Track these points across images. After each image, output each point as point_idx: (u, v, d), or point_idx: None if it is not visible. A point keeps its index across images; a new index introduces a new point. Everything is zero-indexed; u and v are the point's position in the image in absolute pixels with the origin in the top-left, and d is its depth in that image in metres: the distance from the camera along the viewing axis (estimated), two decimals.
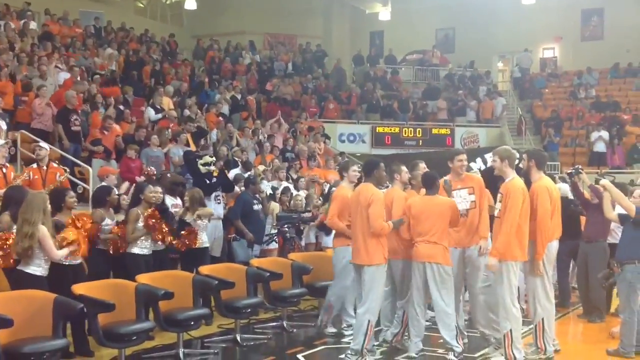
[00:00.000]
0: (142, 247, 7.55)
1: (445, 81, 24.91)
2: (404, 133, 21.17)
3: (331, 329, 7.89)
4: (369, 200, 6.46)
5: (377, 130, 21.20)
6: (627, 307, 6.97)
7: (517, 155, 6.66)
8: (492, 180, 7.13)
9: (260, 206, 10.10)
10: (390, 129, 21.27)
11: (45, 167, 9.19)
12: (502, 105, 22.69)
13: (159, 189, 8.00)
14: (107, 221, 7.65)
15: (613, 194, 7.08)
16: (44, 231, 5.98)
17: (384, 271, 6.59)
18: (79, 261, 6.78)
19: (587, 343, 7.97)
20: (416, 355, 6.72)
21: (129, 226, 7.46)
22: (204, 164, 10.19)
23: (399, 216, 6.85)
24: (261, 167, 11.92)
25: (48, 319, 5.57)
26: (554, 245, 6.87)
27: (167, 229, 7.69)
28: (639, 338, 7.01)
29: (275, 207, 10.66)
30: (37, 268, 6.06)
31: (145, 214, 7.53)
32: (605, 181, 7.28)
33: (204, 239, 8.48)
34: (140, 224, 7.48)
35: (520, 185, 6.45)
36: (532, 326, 6.95)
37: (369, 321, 6.40)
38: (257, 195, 10.20)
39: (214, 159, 10.40)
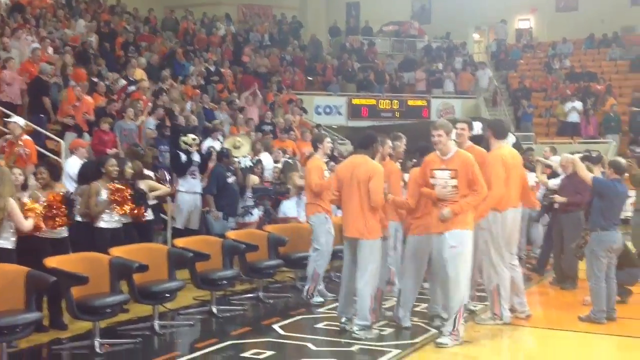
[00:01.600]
0: (108, 221, 7.44)
1: (422, 53, 24.88)
2: (380, 105, 21.15)
3: (317, 299, 7.89)
4: (370, 173, 6.40)
5: (353, 102, 21.15)
6: (592, 274, 7.12)
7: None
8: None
9: (234, 178, 10.05)
10: (367, 101, 21.23)
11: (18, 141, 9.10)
12: (488, 77, 22.69)
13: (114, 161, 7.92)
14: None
15: (576, 164, 7.49)
16: (12, 204, 5.89)
17: (380, 246, 6.55)
18: (62, 235, 6.72)
19: (559, 310, 8.09)
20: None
21: (90, 200, 7.35)
22: (185, 142, 10.12)
23: (399, 189, 6.88)
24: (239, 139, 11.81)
25: (21, 293, 5.51)
26: (510, 214, 6.93)
27: (131, 204, 7.59)
28: (610, 304, 7.16)
29: (255, 179, 10.60)
30: (5, 241, 5.98)
31: (110, 187, 7.39)
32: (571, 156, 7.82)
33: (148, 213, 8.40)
34: (103, 197, 7.35)
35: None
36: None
37: (370, 295, 6.38)
38: (231, 167, 10.15)
39: (197, 140, 10.32)
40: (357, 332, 6.38)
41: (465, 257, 6.18)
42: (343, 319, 6.68)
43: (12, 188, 5.99)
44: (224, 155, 10.15)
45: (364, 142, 6.69)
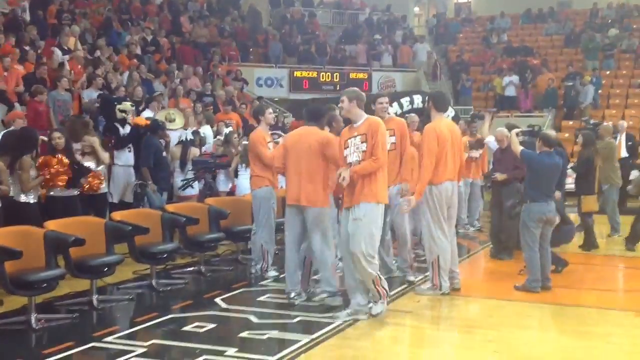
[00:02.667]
0: (31, 196, 7.24)
1: (363, 25, 24.86)
2: (321, 77, 21.10)
3: (272, 273, 7.85)
4: (324, 141, 6.39)
5: (295, 75, 21.04)
6: (526, 244, 7.33)
7: (365, 97, 6.57)
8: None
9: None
10: (308, 74, 21.15)
11: None
12: (426, 51, 22.88)
13: (58, 134, 7.73)
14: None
15: (511, 139, 7.78)
16: None
17: (328, 214, 6.56)
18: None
19: (497, 280, 8.30)
20: None
21: (23, 174, 7.11)
22: (122, 110, 9.87)
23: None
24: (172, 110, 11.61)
25: None
26: (446, 186, 7.03)
27: (65, 177, 7.42)
28: (544, 274, 7.38)
29: (195, 152, 10.46)
30: None
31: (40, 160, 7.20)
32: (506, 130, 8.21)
33: (103, 185, 8.38)
34: (33, 172, 7.15)
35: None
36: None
37: (330, 260, 6.46)
38: (162, 141, 9.98)
39: (133, 108, 10.07)
40: (327, 299, 6.42)
41: (368, 230, 6.01)
42: (292, 294, 6.65)
43: None
44: (158, 128, 9.94)
45: (316, 115, 6.69)
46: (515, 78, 20.59)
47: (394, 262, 7.72)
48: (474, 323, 6.39)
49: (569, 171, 9.86)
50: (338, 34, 24.11)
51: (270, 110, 8.04)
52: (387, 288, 6.21)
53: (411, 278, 7.54)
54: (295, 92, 20.62)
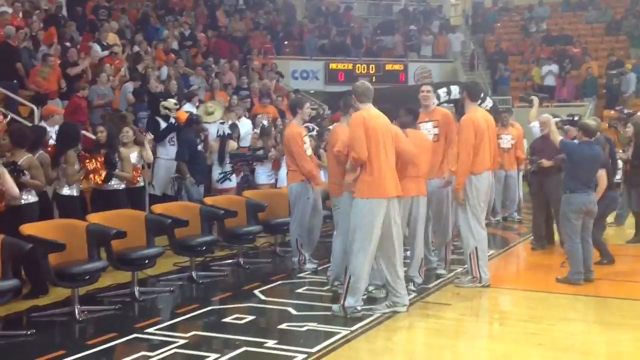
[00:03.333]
0: (74, 189, 7.36)
1: (399, 16, 24.68)
2: (357, 69, 21.01)
3: (310, 265, 7.85)
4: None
5: (331, 67, 20.99)
6: (566, 236, 7.21)
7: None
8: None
9: (202, 145, 9.97)
10: (344, 66, 21.08)
11: None
12: (460, 41, 22.64)
13: (101, 128, 7.85)
14: None
15: (550, 127, 7.60)
16: (2, 169, 6.00)
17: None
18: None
19: (538, 271, 8.18)
20: None
21: (68, 168, 7.23)
22: (165, 107, 9.97)
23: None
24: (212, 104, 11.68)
25: None
26: (485, 175, 6.95)
27: (104, 171, 7.54)
28: (587, 266, 7.24)
29: (233, 145, 10.51)
30: None
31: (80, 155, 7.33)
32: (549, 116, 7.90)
33: (140, 178, 8.44)
34: (77, 166, 7.28)
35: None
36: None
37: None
38: (201, 135, 10.04)
39: (177, 106, 10.16)
40: (373, 291, 6.40)
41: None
42: (336, 283, 6.64)
43: None
44: (194, 122, 10.01)
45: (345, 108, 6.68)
46: (554, 67, 20.24)
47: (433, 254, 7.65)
48: (515, 315, 6.32)
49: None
50: (373, 26, 23.98)
51: (309, 104, 7.98)
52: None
53: (442, 271, 7.47)
54: (331, 85, 20.57)
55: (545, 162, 8.77)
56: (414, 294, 6.58)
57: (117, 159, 7.80)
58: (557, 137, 7.41)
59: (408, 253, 6.87)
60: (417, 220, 6.70)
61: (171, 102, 10.15)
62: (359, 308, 5.89)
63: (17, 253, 5.54)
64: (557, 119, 8.00)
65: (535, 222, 9.21)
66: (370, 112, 5.96)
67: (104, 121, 8.95)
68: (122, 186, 7.95)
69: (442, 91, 14.29)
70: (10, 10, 12.41)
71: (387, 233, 5.89)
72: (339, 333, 5.50)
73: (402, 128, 6.56)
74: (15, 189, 6.11)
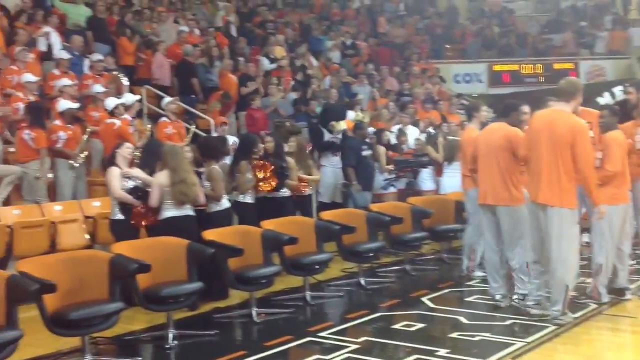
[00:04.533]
0: (248, 197, 7.73)
1: (567, 12, 23.53)
2: (523, 70, 20.27)
3: (479, 273, 7.72)
4: (513, 140, 6.18)
5: (494, 69, 20.40)
6: None
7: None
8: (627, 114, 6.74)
9: (370, 151, 10.04)
10: (508, 67, 20.41)
11: (176, 121, 9.65)
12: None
13: (269, 138, 8.22)
14: None
15: None
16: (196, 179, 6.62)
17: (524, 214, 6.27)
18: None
19: None
20: None
21: (241, 177, 7.62)
22: (334, 127, 10.24)
23: None
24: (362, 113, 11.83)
25: (183, 264, 5.82)
26: None
27: (275, 182, 7.84)
28: None
29: (382, 150, 10.56)
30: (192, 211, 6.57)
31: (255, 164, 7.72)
32: None
33: (308, 187, 8.77)
34: (249, 175, 7.65)
35: None
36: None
37: (526, 262, 6.21)
38: (367, 140, 10.14)
39: (345, 128, 10.42)
40: (516, 300, 6.24)
41: None
42: (497, 296, 6.47)
43: (188, 163, 6.56)
44: (357, 127, 10.16)
45: (504, 110, 6.51)
46: None
47: None
48: None
49: None
50: (540, 24, 23.03)
51: (486, 107, 7.84)
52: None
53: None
54: (494, 87, 19.99)
55: None
56: (594, 305, 6.26)
57: (287, 168, 8.12)
58: None
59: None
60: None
61: (341, 124, 10.39)
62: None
63: (200, 257, 5.92)
64: None
65: None
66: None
67: (272, 131, 9.36)
68: (288, 193, 8.22)
69: (617, 89, 13.52)
70: (187, 29, 13.31)
71: None
72: (513, 344, 5.34)
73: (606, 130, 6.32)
74: (202, 197, 6.67)
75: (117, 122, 8.93)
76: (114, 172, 6.60)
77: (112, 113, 9.04)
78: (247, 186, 7.64)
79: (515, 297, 6.31)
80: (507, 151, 6.20)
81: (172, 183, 6.39)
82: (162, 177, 6.48)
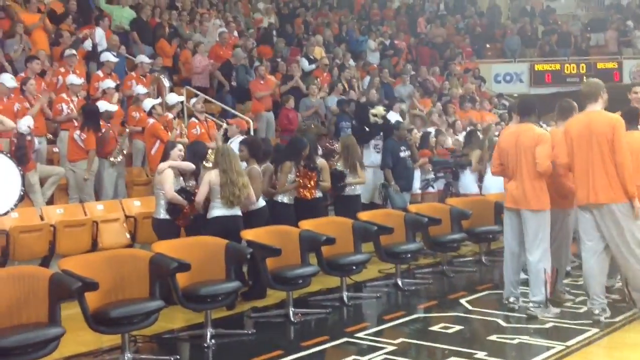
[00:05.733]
0: (286, 197, 7.76)
1: (611, 10, 23.08)
2: (565, 70, 19.95)
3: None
4: (537, 140, 6.07)
5: (536, 69, 20.13)
6: None
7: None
8: None
9: (408, 152, 9.99)
10: (550, 66, 20.11)
11: (205, 121, 9.75)
12: None
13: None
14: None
15: None
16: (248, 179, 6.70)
17: (548, 216, 6.20)
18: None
19: None
20: None
21: (281, 177, 7.67)
22: (374, 115, 10.23)
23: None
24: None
25: (221, 264, 5.88)
26: None
27: (314, 185, 7.87)
28: None
29: (435, 152, 10.50)
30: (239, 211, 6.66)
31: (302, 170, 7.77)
32: None
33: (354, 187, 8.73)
34: (291, 176, 7.68)
35: None
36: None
37: (544, 269, 6.08)
38: (406, 141, 10.09)
39: (386, 112, 10.40)
40: (532, 309, 6.12)
41: None
42: (511, 299, 6.41)
43: (239, 164, 6.63)
44: (395, 128, 10.12)
45: (524, 109, 6.38)
46: None
47: None
48: None
49: None
50: (582, 22, 22.63)
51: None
52: None
53: None
54: (536, 87, 19.73)
55: None
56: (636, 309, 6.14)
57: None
58: None
59: None
60: None
61: (380, 109, 10.39)
62: None
63: (239, 257, 5.98)
64: None
65: None
66: None
67: (301, 133, 9.37)
68: (320, 194, 8.21)
69: None
70: (226, 30, 13.43)
71: None
72: (553, 348, 5.27)
73: None
74: (253, 197, 6.78)
75: (151, 121, 9.11)
76: (168, 174, 6.70)
77: (149, 114, 9.18)
78: (287, 187, 7.67)
79: (531, 305, 6.18)
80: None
81: (222, 184, 6.49)
82: (212, 175, 6.57)
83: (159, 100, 9.38)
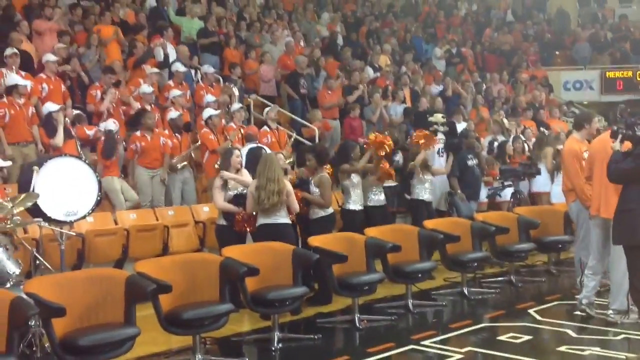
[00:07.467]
0: (357, 204, 7.81)
1: None
2: (637, 77, 19.35)
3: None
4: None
5: (607, 76, 19.60)
6: None
7: None
8: None
9: (475, 161, 9.89)
10: (622, 74, 19.54)
11: (276, 130, 9.89)
12: None
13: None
14: None
15: None
16: (289, 187, 6.55)
17: None
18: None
19: None
20: None
21: (343, 177, 7.80)
22: (433, 122, 10.20)
23: None
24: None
25: (289, 269, 5.97)
26: None
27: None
28: None
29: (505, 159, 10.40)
30: (285, 218, 6.57)
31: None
32: None
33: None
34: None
35: None
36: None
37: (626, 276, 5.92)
38: (474, 150, 10.00)
39: (444, 119, 10.35)
40: (612, 316, 6.01)
41: None
42: (584, 301, 6.34)
43: (275, 171, 6.49)
44: (463, 136, 10.03)
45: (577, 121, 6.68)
46: None
47: None
48: None
49: None
50: None
51: (597, 118, 7.56)
52: None
53: None
54: (607, 94, 19.22)
55: None
56: None
57: None
58: None
59: None
60: None
61: (438, 116, 10.32)
62: None
63: (305, 263, 6.06)
64: None
65: None
66: None
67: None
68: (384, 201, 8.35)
69: None
70: (292, 40, 13.59)
71: None
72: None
73: None
74: (295, 205, 6.64)
75: (203, 130, 9.27)
76: (216, 184, 6.88)
77: (206, 123, 9.31)
78: (368, 166, 7.87)
79: (610, 312, 6.05)
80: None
81: (255, 189, 6.47)
82: (252, 184, 6.61)
83: (218, 111, 9.48)
